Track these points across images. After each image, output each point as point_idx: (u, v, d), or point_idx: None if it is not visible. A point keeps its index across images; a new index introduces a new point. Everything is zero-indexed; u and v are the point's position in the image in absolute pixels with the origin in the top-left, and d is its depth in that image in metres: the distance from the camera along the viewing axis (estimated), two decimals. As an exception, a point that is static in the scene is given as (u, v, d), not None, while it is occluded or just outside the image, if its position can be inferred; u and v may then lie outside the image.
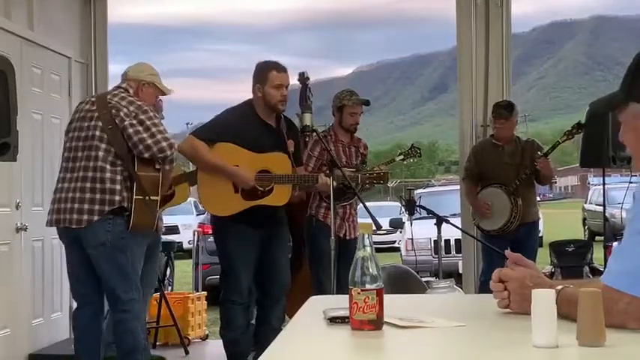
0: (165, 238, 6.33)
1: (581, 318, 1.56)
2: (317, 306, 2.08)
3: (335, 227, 5.15)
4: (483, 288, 5.67)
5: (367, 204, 4.71)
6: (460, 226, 6.06)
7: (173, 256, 7.99)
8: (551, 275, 7.72)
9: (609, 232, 8.41)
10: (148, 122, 4.25)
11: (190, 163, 5.38)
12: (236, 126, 4.76)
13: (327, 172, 4.77)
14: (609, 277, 1.73)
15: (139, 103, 4.34)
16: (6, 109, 3.60)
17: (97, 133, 4.28)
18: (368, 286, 1.74)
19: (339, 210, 5.47)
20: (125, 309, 4.30)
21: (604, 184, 7.19)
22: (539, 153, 6.04)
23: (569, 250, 8.30)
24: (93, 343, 4.42)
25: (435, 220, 5.40)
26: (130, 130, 4.22)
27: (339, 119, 5.64)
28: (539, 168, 5.98)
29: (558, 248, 8.34)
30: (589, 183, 30.18)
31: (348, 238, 5.46)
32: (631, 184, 6.62)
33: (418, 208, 5.83)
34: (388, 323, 1.78)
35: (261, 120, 4.81)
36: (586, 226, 20.35)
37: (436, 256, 6.72)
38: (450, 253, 10.51)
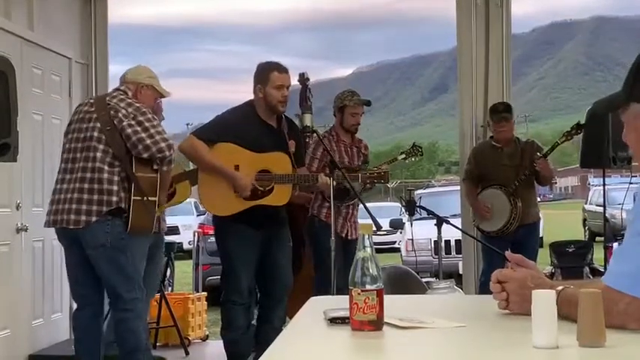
0: (165, 238, 6.33)
1: (581, 319, 1.56)
2: (317, 306, 2.08)
3: (337, 227, 5.17)
4: (483, 289, 5.66)
5: (367, 204, 4.72)
6: (460, 227, 6.06)
7: (173, 256, 7.99)
8: (551, 276, 7.72)
9: (609, 232, 8.40)
10: (147, 124, 4.25)
11: (190, 163, 5.38)
12: (236, 126, 4.76)
13: (329, 172, 4.77)
14: (610, 278, 1.73)
15: (138, 104, 4.34)
16: (6, 110, 3.60)
17: (96, 134, 4.28)
18: (368, 287, 1.74)
19: (343, 210, 5.49)
20: (128, 308, 4.30)
21: (604, 184, 7.20)
22: (538, 154, 6.04)
23: (570, 250, 8.30)
24: (93, 343, 4.43)
25: (435, 221, 5.40)
26: (129, 131, 4.23)
27: (340, 120, 5.65)
28: (539, 169, 5.98)
29: (558, 249, 8.34)
30: (589, 184, 30.18)
31: (350, 238, 5.48)
32: (631, 185, 6.63)
33: (418, 209, 5.83)
34: (388, 324, 1.78)
35: (262, 120, 4.81)
36: (586, 227, 20.35)
37: (436, 256, 6.71)
38: (451, 253, 10.51)
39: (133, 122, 4.25)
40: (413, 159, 5.98)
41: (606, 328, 1.56)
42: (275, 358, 1.58)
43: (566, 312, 1.68)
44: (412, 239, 8.48)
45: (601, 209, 9.10)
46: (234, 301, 4.84)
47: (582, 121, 5.99)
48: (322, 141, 4.97)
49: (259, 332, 4.97)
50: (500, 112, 6.11)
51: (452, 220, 5.40)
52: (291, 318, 4.37)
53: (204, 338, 6.92)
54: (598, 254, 8.19)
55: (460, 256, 7.68)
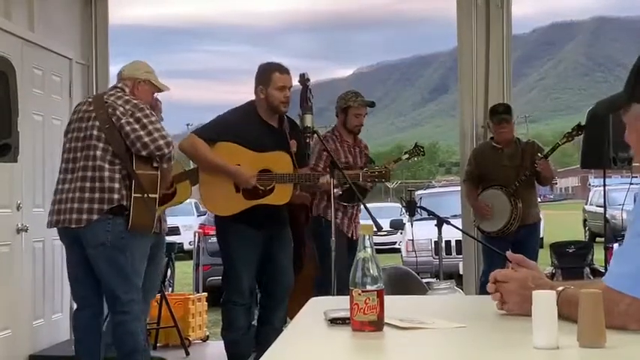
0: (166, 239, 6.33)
1: (581, 319, 1.56)
2: (318, 307, 2.08)
3: (343, 228, 5.18)
4: (484, 289, 5.66)
5: (368, 205, 4.72)
6: (461, 227, 6.06)
7: (174, 257, 7.99)
8: (551, 276, 7.71)
9: (610, 233, 8.41)
10: (145, 120, 4.24)
11: (191, 162, 5.38)
12: (237, 126, 4.76)
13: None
14: (611, 279, 1.73)
15: (135, 101, 4.33)
16: (7, 111, 3.60)
17: (95, 132, 4.28)
18: (369, 287, 1.74)
19: (349, 211, 5.50)
20: (125, 310, 4.29)
21: (605, 185, 7.19)
22: (539, 155, 6.04)
23: (570, 251, 8.29)
24: (93, 344, 4.42)
25: (435, 221, 5.40)
26: (127, 128, 4.22)
27: (343, 120, 5.65)
28: (539, 169, 5.98)
29: (559, 249, 8.33)
30: (589, 184, 30.20)
31: (354, 238, 5.48)
32: (632, 186, 6.63)
33: (419, 209, 5.83)
34: (389, 324, 1.78)
35: (263, 120, 4.81)
36: (586, 227, 20.34)
37: (437, 257, 6.71)
38: (451, 254, 10.51)
39: (131, 120, 4.24)
40: (416, 159, 5.99)
41: (607, 328, 1.56)
42: (275, 358, 1.58)
43: (567, 312, 1.68)
44: (412, 240, 8.48)
45: (601, 210, 9.10)
46: (235, 302, 4.84)
47: (583, 122, 5.99)
48: (323, 141, 4.97)
49: (260, 333, 4.96)
50: (500, 113, 6.11)
51: (452, 221, 5.40)
52: (291, 318, 4.38)
53: (205, 339, 6.92)
54: (598, 255, 8.18)
55: (460, 256, 7.69)
